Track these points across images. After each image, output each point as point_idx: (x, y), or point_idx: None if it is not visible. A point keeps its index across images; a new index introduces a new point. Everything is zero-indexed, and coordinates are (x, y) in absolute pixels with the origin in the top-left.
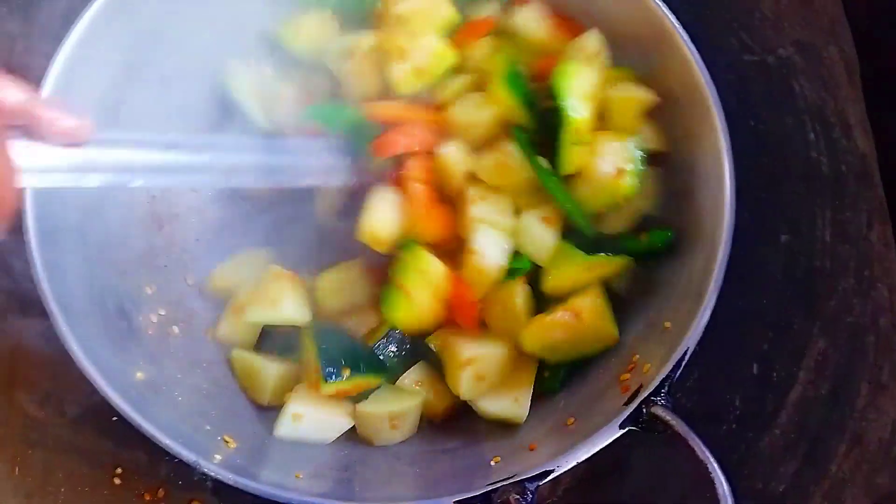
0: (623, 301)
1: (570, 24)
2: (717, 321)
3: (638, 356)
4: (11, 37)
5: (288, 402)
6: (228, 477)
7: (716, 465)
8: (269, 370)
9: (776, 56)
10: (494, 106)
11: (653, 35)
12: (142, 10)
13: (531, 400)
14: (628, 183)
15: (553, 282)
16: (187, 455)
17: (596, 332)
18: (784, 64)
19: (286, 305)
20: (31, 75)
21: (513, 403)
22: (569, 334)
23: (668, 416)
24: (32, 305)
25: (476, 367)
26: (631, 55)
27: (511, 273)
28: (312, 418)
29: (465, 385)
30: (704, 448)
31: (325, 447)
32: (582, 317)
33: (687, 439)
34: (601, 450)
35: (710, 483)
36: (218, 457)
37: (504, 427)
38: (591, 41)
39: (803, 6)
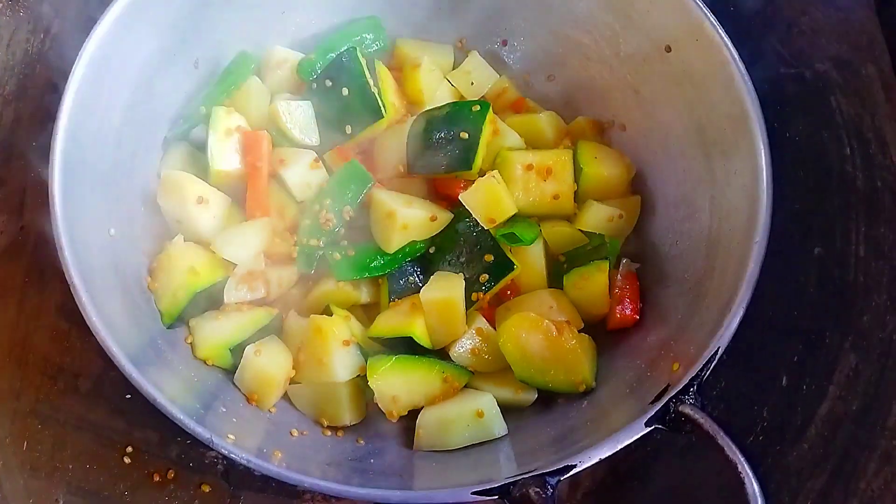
0: (654, 299)
1: None
2: (748, 330)
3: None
4: (48, 17)
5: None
6: (242, 457)
7: (746, 465)
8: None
9: (813, 70)
10: None
11: (694, 39)
12: None
13: (555, 396)
14: None
15: None
16: (202, 432)
17: (570, 363)
18: (821, 78)
19: None
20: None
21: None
22: (546, 350)
23: (696, 415)
24: (51, 279)
25: None
26: (672, 61)
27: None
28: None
29: None
30: (734, 447)
31: (339, 438)
32: (563, 337)
33: (715, 438)
34: (623, 453)
35: (736, 491)
36: (232, 437)
37: (521, 421)
38: None
39: (841, 23)
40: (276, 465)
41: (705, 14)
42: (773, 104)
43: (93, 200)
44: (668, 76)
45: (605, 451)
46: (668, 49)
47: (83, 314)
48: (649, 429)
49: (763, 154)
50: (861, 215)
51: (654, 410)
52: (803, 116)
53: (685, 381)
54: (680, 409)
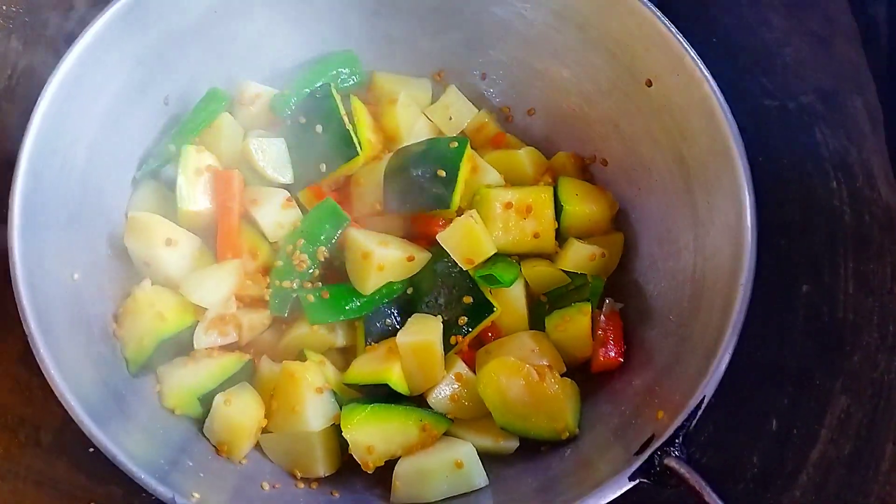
0: (639, 340)
1: None
2: (735, 373)
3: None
4: (16, 53)
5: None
6: None
7: None
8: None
9: (798, 102)
10: None
11: (675, 74)
12: (146, 32)
13: (538, 444)
14: None
15: None
16: (164, 491)
17: (553, 409)
18: (805, 111)
19: None
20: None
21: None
22: (527, 396)
23: (682, 469)
24: (12, 326)
25: None
26: (653, 95)
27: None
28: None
29: None
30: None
31: (313, 491)
32: (545, 382)
33: (702, 494)
34: None
35: None
36: (196, 495)
37: (502, 471)
38: None
39: (825, 55)
40: None
41: (686, 48)
42: (756, 137)
43: (55, 244)
44: (650, 111)
45: None
46: (649, 83)
47: (40, 366)
48: (633, 483)
49: (746, 192)
50: (849, 251)
51: (639, 463)
52: (788, 149)
53: (670, 431)
54: (665, 462)
